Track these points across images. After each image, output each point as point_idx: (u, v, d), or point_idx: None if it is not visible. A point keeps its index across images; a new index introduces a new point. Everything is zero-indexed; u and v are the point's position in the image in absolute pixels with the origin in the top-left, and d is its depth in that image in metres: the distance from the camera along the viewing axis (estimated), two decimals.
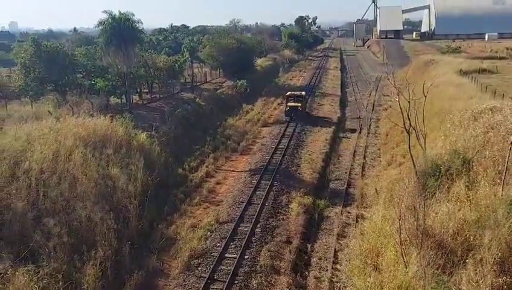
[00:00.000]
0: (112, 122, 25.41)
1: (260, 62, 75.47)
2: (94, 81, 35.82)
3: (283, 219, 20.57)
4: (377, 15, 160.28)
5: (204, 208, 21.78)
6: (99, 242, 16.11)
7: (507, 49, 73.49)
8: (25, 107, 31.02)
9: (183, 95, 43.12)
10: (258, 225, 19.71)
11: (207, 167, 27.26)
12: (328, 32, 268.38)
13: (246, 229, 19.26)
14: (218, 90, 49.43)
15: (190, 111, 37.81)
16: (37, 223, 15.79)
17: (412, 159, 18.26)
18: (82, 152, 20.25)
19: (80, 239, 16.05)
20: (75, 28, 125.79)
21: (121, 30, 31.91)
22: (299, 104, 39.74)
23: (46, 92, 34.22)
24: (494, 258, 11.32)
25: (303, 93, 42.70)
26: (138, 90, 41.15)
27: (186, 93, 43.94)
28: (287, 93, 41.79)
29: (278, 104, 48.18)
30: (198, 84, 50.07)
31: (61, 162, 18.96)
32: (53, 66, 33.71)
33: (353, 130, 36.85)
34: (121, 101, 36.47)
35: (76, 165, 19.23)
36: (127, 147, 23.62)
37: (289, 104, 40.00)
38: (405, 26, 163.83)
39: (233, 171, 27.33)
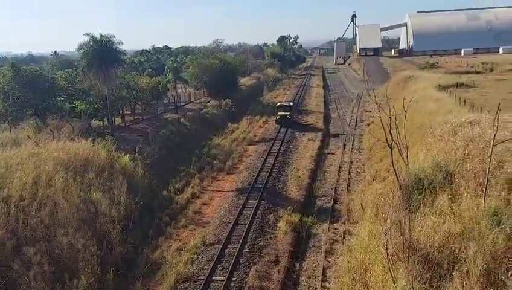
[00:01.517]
0: (93, 145, 25.07)
1: (244, 81, 75.97)
2: (75, 104, 35.45)
3: (271, 238, 20.35)
4: (356, 33, 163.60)
5: (190, 230, 21.44)
6: (81, 270, 15.63)
7: (483, 63, 75.45)
8: (3, 132, 30.42)
9: (167, 116, 42.95)
10: (246, 246, 19.45)
11: (192, 187, 26.98)
12: (309, 51, 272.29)
13: (234, 250, 18.97)
14: (203, 110, 49.42)
15: (174, 132, 37.61)
16: (16, 252, 15.26)
17: (396, 173, 18.34)
18: (63, 177, 19.83)
19: (61, 267, 15.55)
20: (55, 51, 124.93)
21: (102, 52, 31.82)
22: (288, 113, 44.91)
23: (26, 116, 33.69)
24: (480, 270, 11.31)
25: (291, 103, 48.91)
26: (120, 112, 40.83)
27: (170, 114, 43.78)
28: (277, 104, 48.10)
29: (263, 122, 48.37)
30: (182, 104, 50.02)
31: (42, 188, 18.51)
32: (33, 90, 33.29)
33: (337, 147, 37.13)
34: (103, 123, 36.12)
35: (57, 190, 18.79)
36: (109, 170, 23.26)
37: (279, 113, 45.08)
38: (384, 44, 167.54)
39: (219, 191, 27.09)
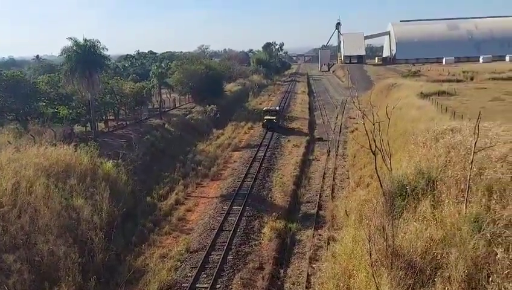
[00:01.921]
0: (75, 151, 24.69)
1: (229, 87, 76.00)
2: (57, 109, 34.91)
3: (255, 244, 20.29)
4: (340, 41, 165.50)
5: (174, 237, 21.23)
6: (62, 278, 15.30)
7: (464, 72, 77.00)
8: None
9: (151, 122, 42.62)
10: (230, 252, 19.34)
11: (177, 194, 26.76)
12: (294, 58, 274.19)
13: (218, 257, 18.84)
14: (188, 116, 49.22)
15: (159, 137, 37.34)
16: None
17: (379, 179, 18.53)
18: (44, 183, 19.45)
19: (41, 275, 15.20)
20: (37, 55, 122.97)
21: (86, 57, 31.49)
22: (274, 117, 46.93)
23: (6, 121, 33.02)
24: (461, 276, 11.47)
25: (277, 108, 52.08)
26: (104, 117, 40.37)
27: (155, 120, 43.46)
28: (264, 108, 51.11)
29: (249, 129, 48.36)
30: (167, 110, 49.73)
31: (22, 194, 18.10)
32: (14, 95, 32.68)
33: (322, 153, 37.38)
34: (86, 129, 35.66)
35: (38, 197, 18.41)
36: (91, 176, 22.92)
37: (266, 117, 47.04)
38: (367, 52, 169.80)
39: (204, 197, 26.94)
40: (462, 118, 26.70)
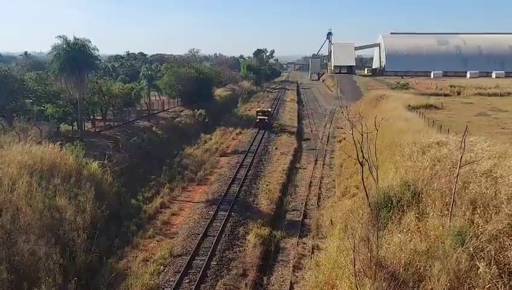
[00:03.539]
0: (61, 150, 24.39)
1: (219, 92, 76.04)
2: (44, 107, 34.49)
3: (240, 251, 20.24)
4: (331, 50, 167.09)
5: (158, 241, 21.07)
6: (42, 279, 15.03)
7: (451, 86, 78.47)
8: None
9: (139, 124, 42.39)
10: (214, 258, 19.26)
11: (162, 197, 26.62)
12: (285, 66, 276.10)
13: (201, 262, 18.74)
14: (176, 119, 49.05)
15: (146, 140, 37.13)
16: None
17: (365, 190, 18.70)
18: (27, 181, 19.15)
19: (21, 275, 14.91)
20: (26, 52, 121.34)
21: (75, 56, 31.20)
22: (266, 117, 51.19)
23: None
24: (443, 289, 11.60)
25: (269, 109, 57.40)
26: (91, 117, 40.00)
27: (143, 122, 43.23)
28: (257, 109, 56.25)
29: (237, 134, 48.40)
30: (155, 112, 49.48)
31: (4, 192, 17.79)
32: (0, 90, 32.18)
33: (309, 161, 37.59)
34: (73, 128, 35.28)
35: (20, 195, 18.11)
36: (76, 176, 22.65)
37: (259, 117, 51.34)
38: (357, 62, 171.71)
39: (189, 202, 26.84)
40: (449, 132, 27.18)
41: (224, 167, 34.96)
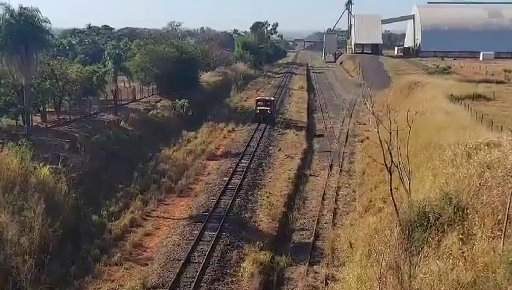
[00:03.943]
0: (1, 151, 24.35)
1: (207, 77, 76.05)
2: None
3: (232, 282, 20.25)
4: (351, 25, 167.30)
5: (127, 269, 21.05)
6: None
7: (505, 71, 78.21)
8: None
9: (103, 117, 42.37)
10: None
11: (132, 212, 26.62)
12: (291, 44, 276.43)
13: None
14: (151, 112, 49.04)
15: (112, 138, 37.12)
16: None
17: (395, 204, 18.73)
18: None
19: None
20: None
21: (20, 30, 31.10)
22: (268, 108, 52.43)
23: None
24: None
25: (272, 98, 58.56)
26: (41, 109, 39.91)
27: (108, 115, 43.21)
28: (257, 98, 57.56)
29: (230, 132, 48.42)
30: (124, 103, 49.45)
31: None
32: None
33: (323, 167, 37.65)
34: (17, 123, 35.19)
35: None
36: (21, 185, 22.63)
37: (259, 108, 52.47)
38: (385, 40, 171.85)
39: (167, 218, 26.86)
40: (502, 130, 27.21)
41: (213, 173, 34.95)
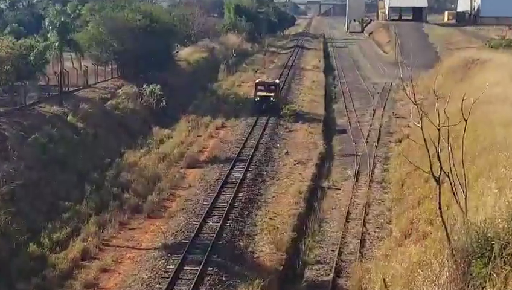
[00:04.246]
0: None
1: (186, 54, 76.02)
2: None
3: None
4: None
5: None
6: None
7: None
8: None
9: (44, 109, 42.17)
10: None
11: (85, 240, 26.56)
12: (303, 8, 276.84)
13: None
14: (110, 102, 48.85)
15: (56, 138, 36.99)
16: None
17: (445, 227, 18.68)
18: None
19: None
20: None
21: None
22: (272, 94, 53.49)
23: None
24: None
25: (277, 81, 59.92)
26: None
27: (50, 106, 42.98)
28: (257, 81, 57.40)
29: (218, 128, 48.54)
30: (73, 89, 49.26)
31: None
32: None
33: (346, 176, 37.64)
34: None
35: None
36: None
37: (259, 93, 53.46)
38: (431, 2, 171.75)
39: (133, 248, 26.87)
40: None
41: (195, 186, 34.96)
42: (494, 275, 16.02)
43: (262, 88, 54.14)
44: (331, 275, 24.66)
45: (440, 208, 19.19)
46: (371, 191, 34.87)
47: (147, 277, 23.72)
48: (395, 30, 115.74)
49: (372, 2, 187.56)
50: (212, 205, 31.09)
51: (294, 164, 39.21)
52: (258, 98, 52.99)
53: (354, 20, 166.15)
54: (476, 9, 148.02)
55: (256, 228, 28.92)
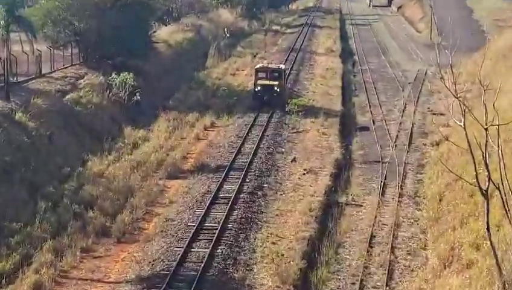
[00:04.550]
0: None
1: (167, 34, 76.06)
2: None
3: None
4: None
5: None
6: None
7: None
8: None
9: None
10: None
11: (37, 271, 26.48)
12: None
13: None
14: (70, 96, 48.75)
15: (1, 142, 36.99)
16: None
17: (495, 254, 18.68)
18: None
19: None
20: None
21: None
22: (275, 83, 54.21)
23: None
24: None
25: (282, 66, 60.25)
26: None
27: None
28: (257, 66, 58.45)
29: (206, 129, 48.72)
30: (23, 80, 49.26)
31: None
32: None
33: (369, 189, 37.63)
34: None
35: None
36: None
37: (260, 82, 54.57)
38: None
39: (99, 281, 26.85)
40: None
41: (178, 201, 35.01)
42: None
43: (263, 75, 54.48)
44: None
45: (488, 230, 19.18)
46: (401, 207, 34.81)
47: None
48: (431, 3, 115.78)
49: None
50: (200, 226, 31.06)
51: (304, 174, 39.21)
52: (259, 88, 53.45)
53: None
54: None
55: (255, 255, 28.80)
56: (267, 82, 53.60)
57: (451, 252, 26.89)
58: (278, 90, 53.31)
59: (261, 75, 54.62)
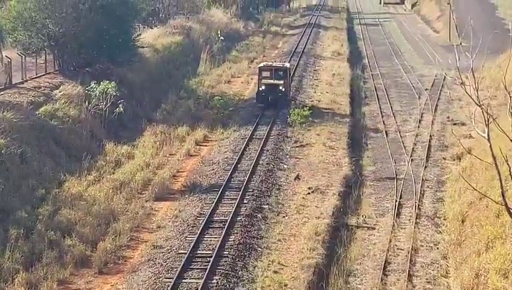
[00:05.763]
0: None
1: (153, 38, 76.17)
2: None
3: None
4: None
5: None
6: None
7: None
8: None
9: None
10: None
11: None
12: None
13: None
14: (43, 108, 48.76)
15: None
16: None
17: None
18: None
19: None
20: None
21: None
22: (281, 82, 56.31)
23: None
24: None
25: (287, 65, 62.61)
26: None
27: None
28: (260, 65, 61.39)
29: (198, 144, 48.66)
30: None
31: None
32: None
33: (382, 210, 37.58)
34: None
35: None
36: None
37: (265, 81, 56.60)
38: None
39: None
40: None
41: (166, 226, 35.01)
42: None
43: (267, 74, 56.05)
44: None
45: None
46: (418, 230, 34.80)
47: None
48: (449, 0, 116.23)
49: None
50: (192, 253, 31.03)
51: (309, 193, 39.21)
52: (263, 88, 54.87)
53: None
54: None
55: (255, 287, 28.75)
56: (272, 81, 55.18)
57: (475, 280, 26.85)
58: (283, 89, 54.76)
59: (264, 74, 56.31)
